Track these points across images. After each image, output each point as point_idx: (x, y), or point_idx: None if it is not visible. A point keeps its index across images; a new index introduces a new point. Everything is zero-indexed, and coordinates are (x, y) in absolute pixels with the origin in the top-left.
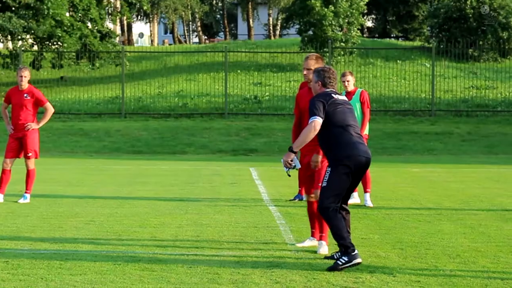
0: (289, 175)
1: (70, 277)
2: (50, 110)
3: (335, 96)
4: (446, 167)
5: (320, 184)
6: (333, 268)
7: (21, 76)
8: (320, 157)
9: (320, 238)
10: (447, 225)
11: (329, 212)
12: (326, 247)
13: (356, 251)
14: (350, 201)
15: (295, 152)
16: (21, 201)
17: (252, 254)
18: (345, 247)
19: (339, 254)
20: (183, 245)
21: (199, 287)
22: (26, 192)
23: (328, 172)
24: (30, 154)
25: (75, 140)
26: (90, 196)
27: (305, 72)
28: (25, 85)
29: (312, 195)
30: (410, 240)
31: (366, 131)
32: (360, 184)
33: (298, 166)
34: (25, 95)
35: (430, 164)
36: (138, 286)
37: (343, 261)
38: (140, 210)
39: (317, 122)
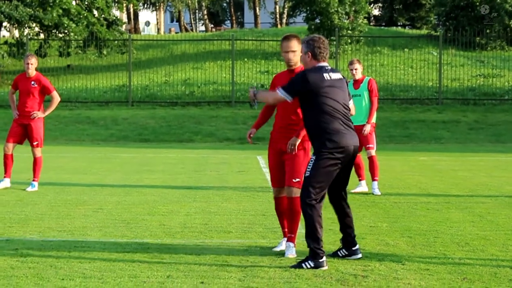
0: (255, 108)
1: (79, 264)
2: (57, 98)
3: (328, 76)
4: (453, 156)
5: (295, 180)
6: (296, 268)
7: (28, 64)
8: (298, 141)
9: (289, 240)
10: (456, 214)
11: (311, 209)
12: (294, 249)
13: (324, 258)
14: (358, 190)
15: (255, 94)
16: (29, 189)
17: (260, 242)
18: (315, 253)
19: (307, 256)
20: (191, 233)
21: (208, 274)
22: (33, 180)
23: (312, 161)
24: (36, 143)
25: (82, 128)
26: (97, 184)
27: (290, 56)
28: (32, 72)
29: (281, 190)
30: (418, 228)
31: (373, 120)
32: (368, 173)
33: (256, 106)
34: (32, 82)
35: (437, 153)
36: (147, 273)
37: (309, 266)
38: (148, 198)
39: (281, 97)
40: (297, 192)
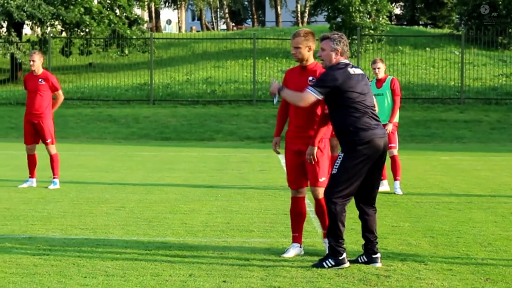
0: (274, 103)
1: (102, 262)
2: (61, 97)
3: (352, 71)
4: (475, 155)
5: (321, 180)
6: (317, 267)
7: (30, 61)
8: (315, 149)
9: (325, 236)
10: (478, 214)
11: (335, 207)
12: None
13: (344, 255)
14: (380, 189)
15: (280, 90)
16: (51, 187)
17: (282, 241)
18: (335, 251)
19: (326, 254)
20: (213, 231)
21: (230, 273)
22: (54, 178)
23: (340, 158)
24: (49, 140)
25: (104, 126)
26: (119, 182)
27: (293, 52)
28: (37, 70)
29: (300, 190)
30: (441, 228)
31: (396, 119)
32: (390, 172)
33: (276, 100)
34: (40, 80)
35: (459, 152)
36: (170, 272)
37: (330, 264)
38: (170, 196)
39: (311, 98)
40: (323, 193)
